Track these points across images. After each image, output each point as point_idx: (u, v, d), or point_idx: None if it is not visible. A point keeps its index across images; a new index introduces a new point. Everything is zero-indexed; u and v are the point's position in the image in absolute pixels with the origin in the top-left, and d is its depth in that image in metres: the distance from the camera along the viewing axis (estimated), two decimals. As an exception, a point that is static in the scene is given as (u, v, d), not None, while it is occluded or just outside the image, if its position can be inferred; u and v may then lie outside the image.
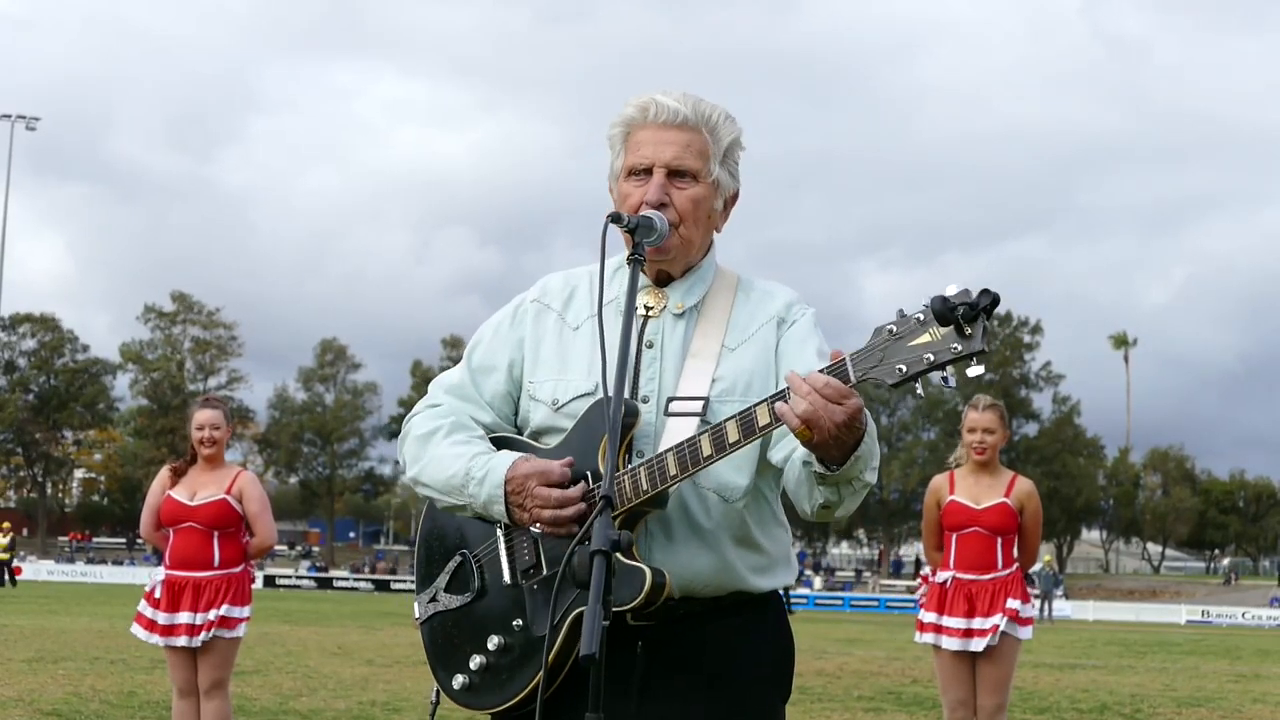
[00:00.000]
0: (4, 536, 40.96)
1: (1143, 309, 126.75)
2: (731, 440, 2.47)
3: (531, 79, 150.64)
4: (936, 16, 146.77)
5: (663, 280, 2.80)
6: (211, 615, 6.89)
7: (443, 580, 2.84)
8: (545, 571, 2.65)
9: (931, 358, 2.30)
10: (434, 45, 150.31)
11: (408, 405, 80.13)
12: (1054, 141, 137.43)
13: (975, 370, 2.31)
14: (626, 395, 2.68)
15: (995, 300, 2.26)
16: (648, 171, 2.72)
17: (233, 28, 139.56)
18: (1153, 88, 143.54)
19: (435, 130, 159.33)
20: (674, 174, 2.72)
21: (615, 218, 2.62)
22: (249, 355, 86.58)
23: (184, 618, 6.90)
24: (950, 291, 2.28)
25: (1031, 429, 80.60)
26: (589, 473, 2.61)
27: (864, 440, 2.41)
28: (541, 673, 2.55)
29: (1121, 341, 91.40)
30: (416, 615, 2.90)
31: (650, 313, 2.77)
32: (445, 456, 2.72)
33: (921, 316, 2.32)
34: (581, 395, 2.71)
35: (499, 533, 2.74)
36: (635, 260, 2.62)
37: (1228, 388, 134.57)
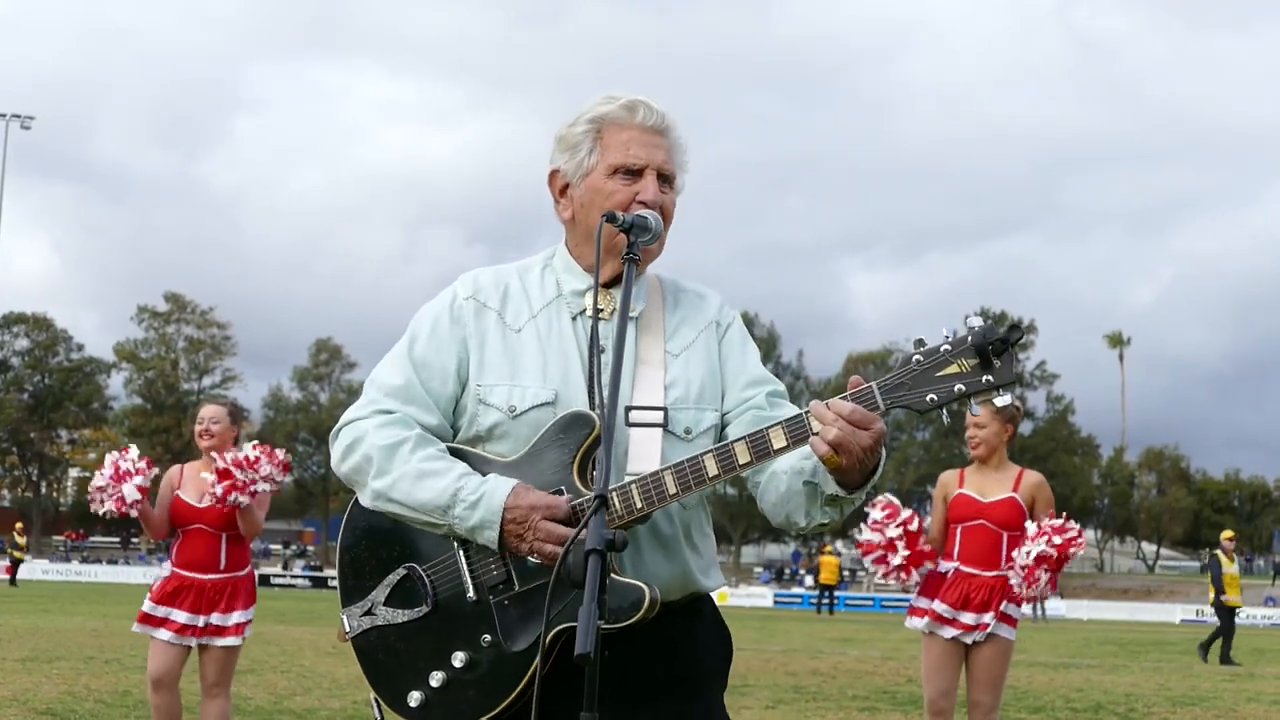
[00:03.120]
0: (20, 537, 41.52)
1: (1130, 309, 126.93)
2: (742, 462, 2.49)
3: (518, 79, 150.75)
4: (921, 16, 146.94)
5: (611, 282, 2.78)
6: (217, 619, 6.87)
7: (381, 594, 2.75)
8: (518, 588, 2.61)
9: (963, 388, 2.40)
10: (421, 45, 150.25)
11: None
12: (1039, 141, 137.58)
13: (1003, 400, 2.41)
14: (584, 402, 2.67)
15: (1022, 335, 2.37)
16: (637, 172, 2.73)
17: (219, 28, 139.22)
18: (1138, 87, 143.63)
19: (422, 130, 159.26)
20: (660, 178, 2.75)
21: (610, 217, 2.62)
22: (239, 355, 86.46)
23: (181, 616, 6.89)
24: (975, 323, 2.38)
25: (1026, 428, 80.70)
26: (563, 487, 2.59)
27: (879, 464, 2.49)
28: (517, 690, 2.58)
29: (1117, 341, 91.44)
30: (346, 630, 2.80)
31: (601, 314, 2.74)
32: (421, 474, 2.62)
33: (949, 348, 2.41)
34: (541, 404, 2.67)
35: (457, 547, 2.68)
36: (631, 260, 2.61)
37: (1216, 388, 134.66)
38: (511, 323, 2.76)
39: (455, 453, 2.72)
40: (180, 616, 6.89)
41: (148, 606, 6.99)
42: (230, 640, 6.92)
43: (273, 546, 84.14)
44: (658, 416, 2.65)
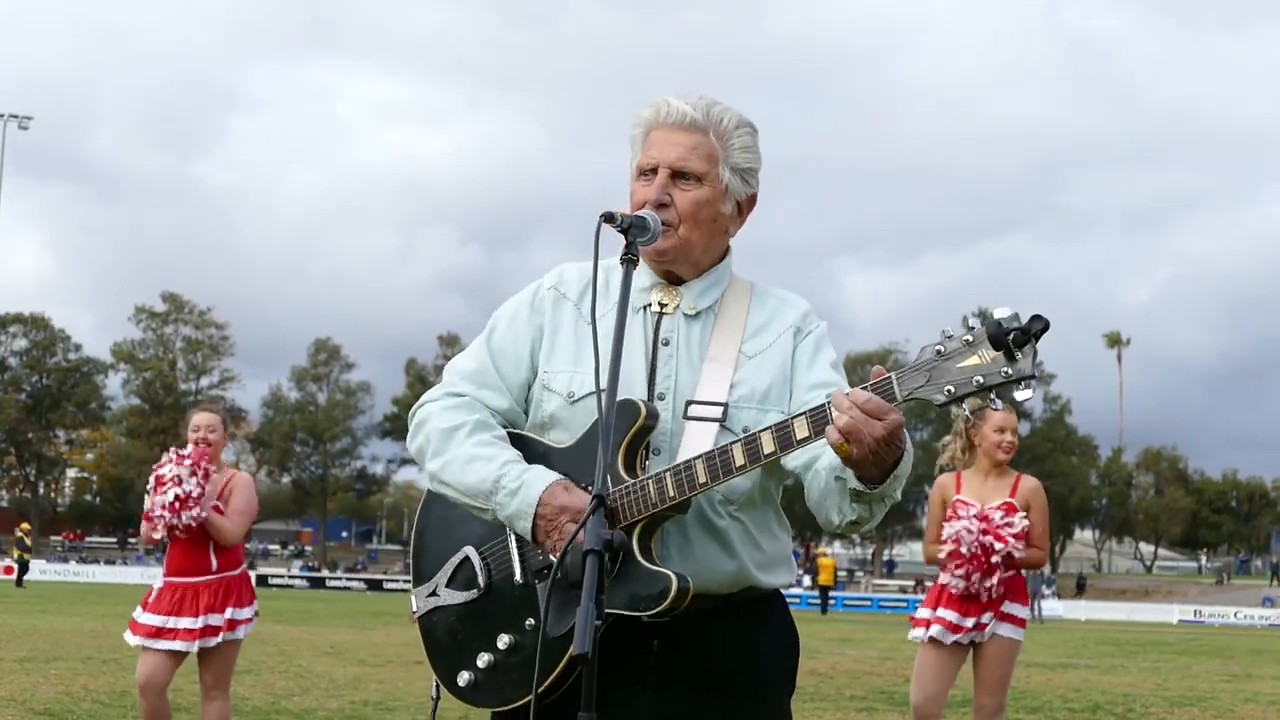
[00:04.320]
0: (28, 538, 42.06)
1: (1125, 309, 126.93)
2: (766, 452, 2.48)
3: (514, 79, 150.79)
4: (916, 16, 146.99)
5: (674, 281, 2.81)
6: (214, 620, 6.85)
7: (443, 576, 2.82)
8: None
9: (981, 380, 2.32)
10: (416, 45, 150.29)
11: (401, 403, 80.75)
12: (1034, 141, 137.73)
13: (1024, 394, 2.34)
14: (643, 393, 2.70)
15: (1046, 326, 2.28)
16: (654, 172, 2.74)
17: (214, 28, 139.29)
18: (1134, 88, 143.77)
19: (418, 130, 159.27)
20: (678, 175, 2.73)
21: (608, 216, 2.62)
22: (237, 355, 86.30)
23: (185, 623, 6.83)
24: (1001, 314, 2.30)
25: (1023, 428, 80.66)
26: (610, 477, 2.60)
27: (903, 459, 2.43)
28: (555, 674, 2.59)
29: (1116, 340, 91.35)
30: (414, 609, 2.88)
31: (664, 309, 2.77)
32: (471, 458, 2.69)
33: (970, 338, 2.34)
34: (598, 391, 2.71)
35: (509, 531, 2.72)
36: (628, 260, 2.61)
37: (1211, 388, 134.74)
38: (587, 314, 2.80)
39: (519, 439, 2.77)
40: (182, 623, 6.84)
41: (145, 618, 6.90)
42: (227, 638, 6.88)
43: (271, 547, 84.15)
44: (716, 412, 2.66)
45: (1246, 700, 14.19)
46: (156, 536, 6.96)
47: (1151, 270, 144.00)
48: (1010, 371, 2.30)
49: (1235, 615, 54.24)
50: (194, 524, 6.81)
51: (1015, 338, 2.28)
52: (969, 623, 6.94)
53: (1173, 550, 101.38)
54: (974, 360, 2.33)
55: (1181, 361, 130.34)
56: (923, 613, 7.14)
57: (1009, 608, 7.00)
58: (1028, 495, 7.15)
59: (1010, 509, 7.05)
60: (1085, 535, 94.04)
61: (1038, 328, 2.27)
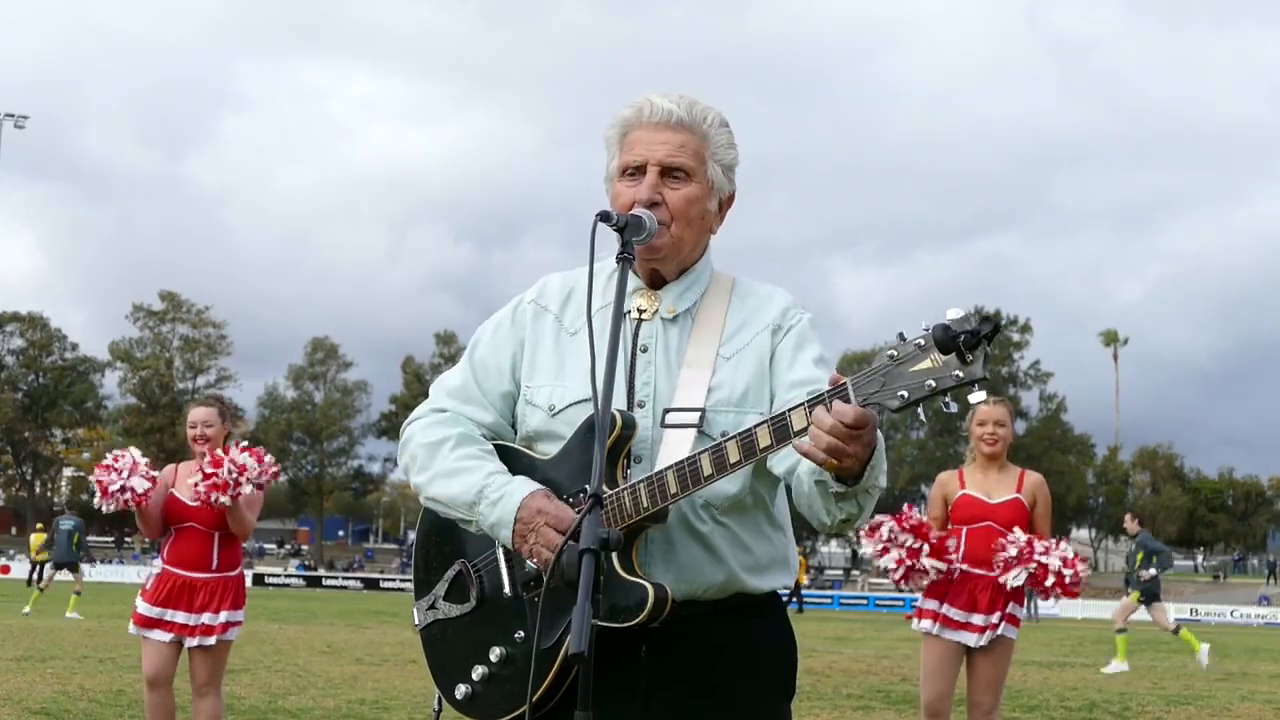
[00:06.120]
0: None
1: (1117, 307, 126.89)
2: (732, 461, 2.48)
3: (504, 78, 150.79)
4: (906, 15, 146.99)
5: (657, 282, 2.80)
6: (207, 619, 6.86)
7: (441, 588, 2.84)
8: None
9: (933, 384, 2.31)
10: (407, 44, 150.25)
11: (399, 402, 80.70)
12: (1025, 140, 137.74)
13: (976, 397, 2.33)
14: (623, 401, 2.69)
15: (997, 328, 2.27)
16: (641, 170, 2.73)
17: (205, 27, 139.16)
18: (1124, 86, 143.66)
19: (409, 128, 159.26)
20: (667, 173, 2.72)
21: (604, 216, 2.61)
22: (234, 354, 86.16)
23: (180, 617, 6.87)
24: (952, 317, 2.28)
25: (1019, 427, 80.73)
26: (587, 486, 2.59)
27: (875, 451, 2.44)
28: (544, 686, 2.59)
29: (1113, 339, 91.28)
30: (416, 622, 2.91)
31: (644, 315, 2.76)
32: (456, 470, 2.71)
33: (922, 342, 2.33)
34: (579, 401, 2.70)
35: (498, 544, 2.73)
36: (624, 260, 2.61)
37: (1204, 386, 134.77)
38: (569, 325, 2.82)
39: (507, 452, 2.78)
40: (178, 617, 6.87)
41: (143, 608, 6.96)
42: (219, 639, 6.90)
43: (267, 546, 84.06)
44: (693, 418, 2.65)
45: (1243, 699, 14.19)
46: (113, 506, 6.88)
47: (1143, 268, 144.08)
48: (962, 374, 2.29)
49: (1232, 614, 54.27)
50: (221, 504, 6.83)
51: (965, 340, 2.26)
52: (976, 620, 6.93)
53: (1169, 549, 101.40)
54: (927, 364, 2.32)
55: (1174, 360, 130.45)
56: (928, 603, 7.12)
57: (1009, 607, 7.00)
58: (1033, 489, 7.17)
59: (1019, 505, 7.06)
60: (1081, 534, 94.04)
61: (987, 330, 2.26)
